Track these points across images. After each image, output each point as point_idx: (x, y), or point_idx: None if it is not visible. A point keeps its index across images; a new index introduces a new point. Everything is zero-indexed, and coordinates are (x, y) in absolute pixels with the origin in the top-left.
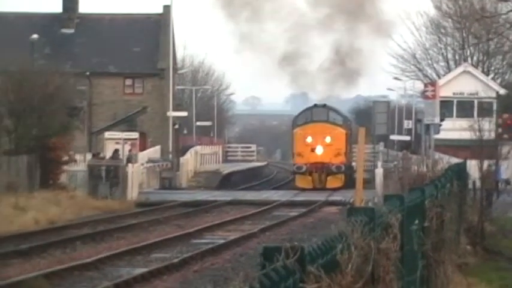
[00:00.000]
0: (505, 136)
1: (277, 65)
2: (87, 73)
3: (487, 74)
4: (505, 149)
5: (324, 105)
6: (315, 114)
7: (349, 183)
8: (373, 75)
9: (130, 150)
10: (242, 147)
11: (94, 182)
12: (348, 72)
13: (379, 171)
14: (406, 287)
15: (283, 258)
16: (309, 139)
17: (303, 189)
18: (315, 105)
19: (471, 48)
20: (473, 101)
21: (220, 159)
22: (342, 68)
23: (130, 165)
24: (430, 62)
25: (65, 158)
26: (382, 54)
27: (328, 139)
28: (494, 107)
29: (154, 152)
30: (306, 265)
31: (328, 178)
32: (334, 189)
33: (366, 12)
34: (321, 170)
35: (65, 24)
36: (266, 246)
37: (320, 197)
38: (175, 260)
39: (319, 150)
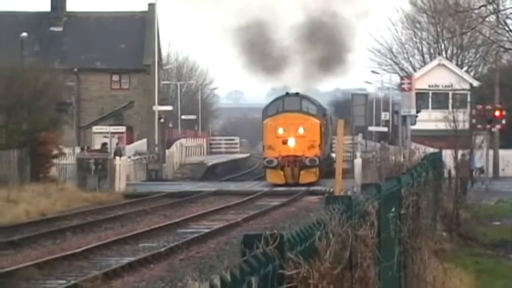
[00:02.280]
0: (479, 126)
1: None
2: (75, 69)
3: (461, 67)
4: (478, 139)
5: (297, 94)
6: (287, 104)
7: (328, 176)
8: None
9: (117, 144)
10: (226, 140)
11: (83, 174)
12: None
13: (357, 162)
14: (384, 272)
15: (263, 246)
16: (280, 131)
17: (275, 185)
18: (287, 94)
19: (445, 42)
20: (448, 93)
21: (205, 151)
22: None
23: (117, 158)
24: (406, 55)
25: (55, 151)
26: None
27: (301, 130)
28: (468, 98)
29: (141, 145)
30: (285, 252)
31: (302, 172)
32: (308, 185)
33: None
34: (294, 163)
35: (53, 23)
36: (247, 234)
37: (301, 186)
38: (162, 249)
39: (291, 142)
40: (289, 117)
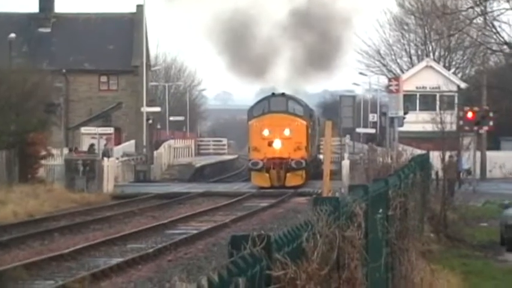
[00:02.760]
0: (466, 128)
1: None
2: (64, 71)
3: (449, 69)
4: (466, 141)
5: (283, 94)
6: (273, 104)
7: (315, 177)
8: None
9: (105, 145)
10: (214, 141)
11: (71, 175)
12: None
13: (345, 163)
14: (371, 273)
15: (251, 247)
16: (266, 132)
17: (260, 188)
18: (273, 95)
19: (433, 43)
20: (435, 95)
21: (193, 152)
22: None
23: (106, 159)
24: (393, 57)
25: (43, 152)
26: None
27: (287, 132)
28: (456, 100)
29: (129, 146)
30: (272, 253)
31: (288, 175)
32: (295, 187)
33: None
34: (280, 166)
35: (41, 24)
36: (234, 236)
37: (287, 189)
38: (150, 250)
39: (277, 144)
40: (275, 118)
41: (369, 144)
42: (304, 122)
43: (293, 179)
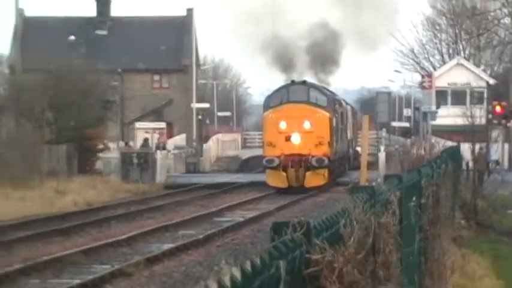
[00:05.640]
0: (495, 122)
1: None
2: (119, 70)
3: (478, 66)
4: (494, 133)
5: (304, 82)
6: (292, 94)
7: (354, 168)
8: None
9: (159, 139)
10: (259, 135)
11: (126, 167)
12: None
13: (381, 155)
14: (405, 257)
15: (291, 232)
16: (283, 125)
17: (277, 189)
18: (293, 82)
19: (463, 43)
20: (465, 91)
21: (240, 145)
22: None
23: (158, 152)
24: (426, 56)
25: (100, 146)
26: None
27: (307, 125)
28: (485, 95)
29: (180, 140)
30: (311, 238)
31: (307, 174)
32: (316, 189)
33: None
34: (298, 164)
35: (98, 27)
36: (276, 222)
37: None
38: (200, 236)
39: (295, 139)
40: (293, 109)
41: (411, 138)
42: (328, 114)
43: (314, 179)
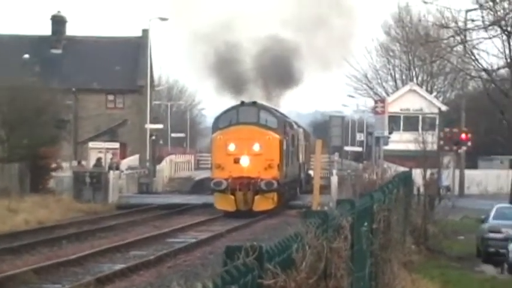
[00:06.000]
0: (446, 148)
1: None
2: (74, 89)
3: (431, 93)
4: (446, 159)
5: (254, 103)
6: (242, 115)
7: (306, 192)
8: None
9: (111, 159)
10: None
11: (79, 186)
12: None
13: (334, 179)
14: (356, 282)
15: (243, 257)
16: (232, 147)
17: (225, 213)
18: (242, 103)
19: (416, 69)
20: (418, 116)
21: (193, 166)
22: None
23: (111, 171)
24: (380, 81)
25: (53, 165)
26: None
27: (256, 147)
28: (437, 121)
29: (133, 160)
30: (264, 263)
31: (256, 198)
32: (264, 213)
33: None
34: (247, 187)
35: (53, 45)
36: (228, 246)
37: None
38: (152, 257)
39: (244, 161)
40: (243, 130)
41: (363, 163)
42: (278, 136)
43: (262, 203)
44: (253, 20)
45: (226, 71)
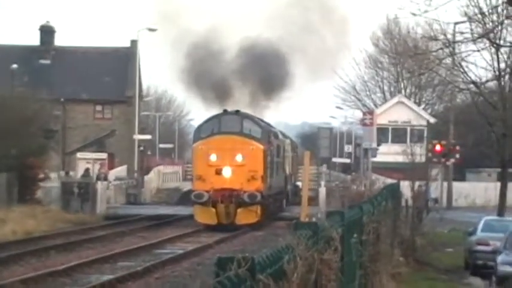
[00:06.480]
0: (434, 160)
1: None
2: (62, 100)
3: (419, 105)
4: (434, 172)
5: (237, 112)
6: (224, 124)
7: (294, 203)
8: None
9: (99, 169)
10: None
11: (67, 197)
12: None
13: (322, 190)
14: None
15: (236, 268)
16: (213, 157)
17: (206, 226)
18: (225, 112)
19: (405, 81)
20: (406, 128)
21: (181, 177)
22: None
23: (99, 182)
24: (368, 93)
25: (41, 175)
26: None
27: (239, 157)
28: (425, 133)
29: (121, 171)
30: (255, 274)
31: (239, 211)
32: (247, 226)
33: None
34: (229, 199)
35: (42, 56)
36: (220, 257)
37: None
38: (139, 268)
39: (226, 172)
40: (225, 140)
41: (352, 175)
42: (262, 146)
43: (245, 216)
44: (239, 24)
45: (209, 76)
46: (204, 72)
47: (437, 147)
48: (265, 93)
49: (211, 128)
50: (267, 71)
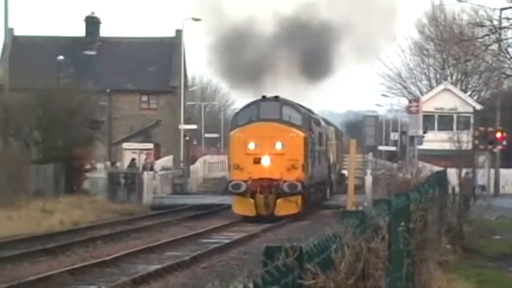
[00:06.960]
0: (481, 147)
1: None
2: (108, 90)
3: (465, 92)
4: (481, 159)
5: (276, 98)
6: (263, 111)
7: (339, 191)
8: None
9: (146, 159)
10: None
11: (113, 187)
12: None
13: (368, 178)
14: (393, 282)
15: (284, 257)
16: (252, 146)
17: (244, 218)
18: (263, 98)
19: (451, 68)
20: (452, 116)
21: (227, 167)
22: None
23: (145, 172)
24: (414, 80)
25: (88, 166)
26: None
27: (278, 146)
28: (472, 120)
29: (167, 161)
30: (303, 263)
31: (278, 202)
32: (287, 218)
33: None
34: (268, 190)
35: (87, 47)
36: (268, 246)
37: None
38: (186, 258)
39: (265, 161)
40: (264, 128)
41: (398, 162)
42: (302, 134)
43: (285, 207)
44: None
45: (246, 59)
46: (241, 56)
47: (498, 135)
48: (307, 75)
49: (250, 115)
50: (312, 44)
